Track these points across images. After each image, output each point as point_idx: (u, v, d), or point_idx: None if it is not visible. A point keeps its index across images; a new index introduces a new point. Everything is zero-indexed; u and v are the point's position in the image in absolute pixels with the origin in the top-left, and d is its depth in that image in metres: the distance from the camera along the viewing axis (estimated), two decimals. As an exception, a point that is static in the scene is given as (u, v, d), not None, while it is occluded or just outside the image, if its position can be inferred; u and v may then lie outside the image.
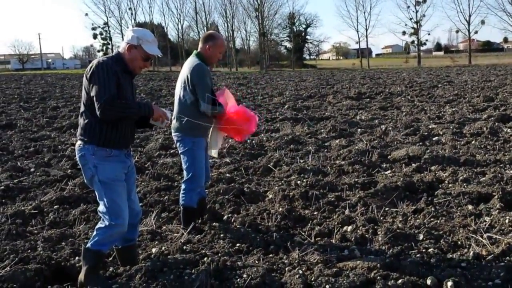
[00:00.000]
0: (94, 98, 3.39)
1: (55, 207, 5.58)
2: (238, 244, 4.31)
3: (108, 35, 72.56)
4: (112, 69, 3.46)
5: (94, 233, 3.66)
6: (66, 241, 4.50)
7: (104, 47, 73.58)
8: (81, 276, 3.61)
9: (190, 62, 4.63)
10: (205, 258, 3.86)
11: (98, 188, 3.59)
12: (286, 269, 3.75)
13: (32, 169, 7.48)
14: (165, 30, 75.49)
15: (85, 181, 3.72)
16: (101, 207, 3.60)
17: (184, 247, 4.26)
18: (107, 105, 3.34)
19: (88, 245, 3.65)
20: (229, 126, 4.67)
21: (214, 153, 4.90)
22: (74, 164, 7.62)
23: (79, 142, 3.63)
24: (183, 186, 4.73)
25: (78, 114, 3.76)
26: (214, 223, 4.85)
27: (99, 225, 3.65)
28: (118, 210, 3.57)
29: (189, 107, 4.56)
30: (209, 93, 4.49)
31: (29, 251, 4.14)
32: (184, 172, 4.73)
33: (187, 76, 4.54)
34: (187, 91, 4.55)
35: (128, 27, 64.27)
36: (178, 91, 4.65)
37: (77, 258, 3.99)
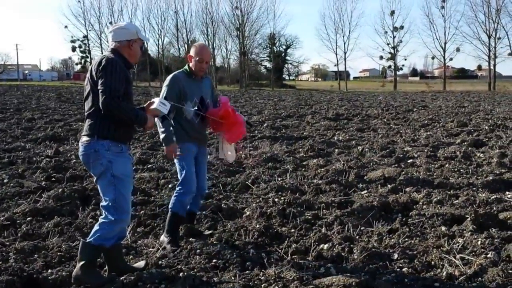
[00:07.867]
0: (102, 90, 3.45)
1: (28, 219, 5.47)
2: (214, 260, 4.28)
3: (87, 48, 72.03)
4: (120, 65, 3.56)
5: (97, 228, 3.67)
6: (38, 253, 4.41)
7: (83, 60, 73.11)
8: (78, 271, 3.60)
9: None
10: (181, 274, 3.84)
11: (109, 182, 3.61)
12: (262, 285, 3.75)
13: (5, 180, 7.32)
14: (146, 45, 75.32)
15: (93, 175, 3.75)
16: (106, 203, 3.62)
17: (160, 262, 4.22)
18: (115, 103, 3.45)
19: (90, 239, 3.65)
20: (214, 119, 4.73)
21: (227, 158, 5.09)
22: (48, 176, 7.51)
23: (87, 138, 3.65)
24: (175, 190, 4.81)
25: (87, 111, 3.70)
26: (190, 239, 4.83)
27: (103, 220, 3.66)
28: (125, 205, 3.65)
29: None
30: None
31: (0, 262, 4.04)
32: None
33: None
34: None
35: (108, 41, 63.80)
36: None
37: (49, 270, 3.92)
